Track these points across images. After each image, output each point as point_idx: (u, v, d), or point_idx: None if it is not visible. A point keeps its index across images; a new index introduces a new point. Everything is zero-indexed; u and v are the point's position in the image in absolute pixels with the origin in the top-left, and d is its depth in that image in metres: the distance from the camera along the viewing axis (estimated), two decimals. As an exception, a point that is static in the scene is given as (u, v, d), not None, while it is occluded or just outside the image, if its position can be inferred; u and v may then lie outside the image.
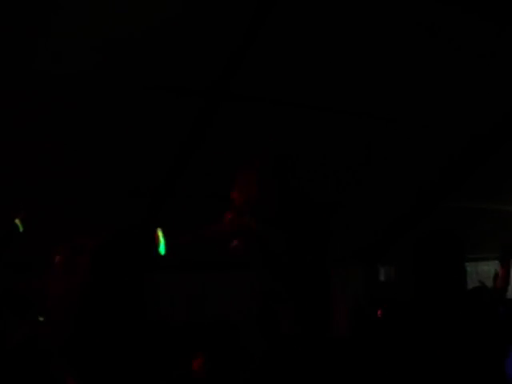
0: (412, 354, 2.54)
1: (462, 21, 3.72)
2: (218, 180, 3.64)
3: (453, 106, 4.47)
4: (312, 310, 2.85)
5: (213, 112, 4.14)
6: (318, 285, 2.87)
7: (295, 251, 2.85)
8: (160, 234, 3.17)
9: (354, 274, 6.40)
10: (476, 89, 4.33)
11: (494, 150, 5.06)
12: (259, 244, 2.88)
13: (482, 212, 6.02)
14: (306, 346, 2.80)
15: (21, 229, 3.82)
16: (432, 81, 4.20)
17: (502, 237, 6.59)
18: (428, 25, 3.69)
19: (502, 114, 4.68)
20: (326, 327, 2.80)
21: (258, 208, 2.81)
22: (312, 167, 4.73)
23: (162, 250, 3.16)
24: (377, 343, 3.52)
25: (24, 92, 3.58)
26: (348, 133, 4.59)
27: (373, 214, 5.54)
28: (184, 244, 3.19)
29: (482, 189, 5.56)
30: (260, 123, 4.28)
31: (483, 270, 7.75)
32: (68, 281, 1.31)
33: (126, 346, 1.26)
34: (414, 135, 4.79)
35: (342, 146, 4.70)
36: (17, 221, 3.84)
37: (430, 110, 4.52)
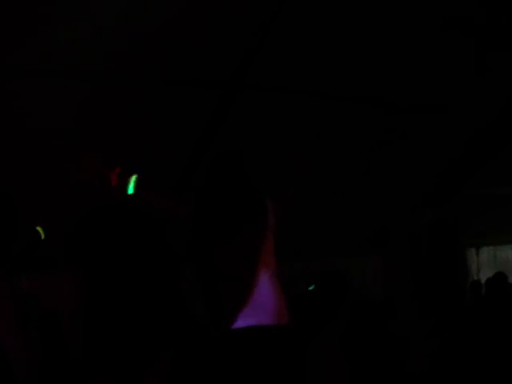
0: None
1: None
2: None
3: (467, 93, 4.45)
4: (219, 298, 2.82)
5: (230, 101, 4.18)
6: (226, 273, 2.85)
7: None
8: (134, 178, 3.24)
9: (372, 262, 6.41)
10: (489, 75, 4.29)
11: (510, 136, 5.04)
12: None
13: (500, 198, 5.98)
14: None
15: (43, 236, 3.76)
16: (448, 67, 4.17)
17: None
18: (441, 15, 3.67)
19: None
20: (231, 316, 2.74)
21: None
22: (324, 154, 4.75)
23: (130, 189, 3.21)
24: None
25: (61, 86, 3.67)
26: (359, 121, 4.60)
27: (390, 202, 5.54)
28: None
29: (499, 175, 5.52)
30: (273, 111, 4.31)
31: (502, 256, 7.74)
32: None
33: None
34: (431, 123, 4.77)
35: (356, 133, 4.70)
36: (38, 228, 3.79)
37: (444, 98, 4.50)
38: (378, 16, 3.68)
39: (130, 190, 3.20)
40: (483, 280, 6.66)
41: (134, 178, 3.23)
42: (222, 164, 3.09)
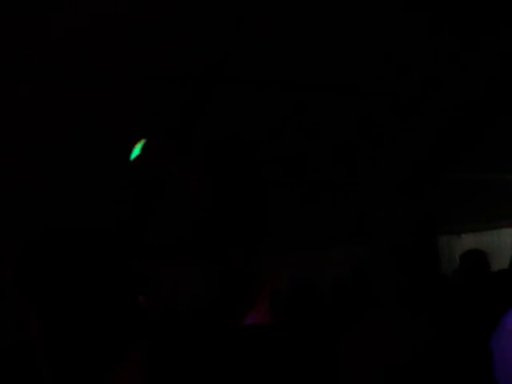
0: None
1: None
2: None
3: (441, 75, 4.45)
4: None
5: (206, 96, 4.16)
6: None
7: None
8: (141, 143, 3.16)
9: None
10: (467, 58, 4.30)
11: (490, 119, 5.04)
12: None
13: (482, 183, 6.01)
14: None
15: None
16: (423, 53, 4.17)
17: (503, 207, 6.61)
18: None
19: (491, 82, 4.64)
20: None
21: None
22: (301, 146, 4.75)
23: (133, 155, 3.15)
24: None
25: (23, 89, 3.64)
26: (337, 109, 4.58)
27: (368, 192, 5.55)
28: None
29: (480, 160, 5.54)
30: (250, 104, 4.29)
31: (487, 241, 7.78)
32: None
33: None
34: (406, 108, 4.77)
35: (333, 123, 4.69)
36: None
37: (420, 83, 4.50)
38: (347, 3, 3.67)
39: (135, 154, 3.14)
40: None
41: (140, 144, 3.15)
42: (234, 153, 2.94)
